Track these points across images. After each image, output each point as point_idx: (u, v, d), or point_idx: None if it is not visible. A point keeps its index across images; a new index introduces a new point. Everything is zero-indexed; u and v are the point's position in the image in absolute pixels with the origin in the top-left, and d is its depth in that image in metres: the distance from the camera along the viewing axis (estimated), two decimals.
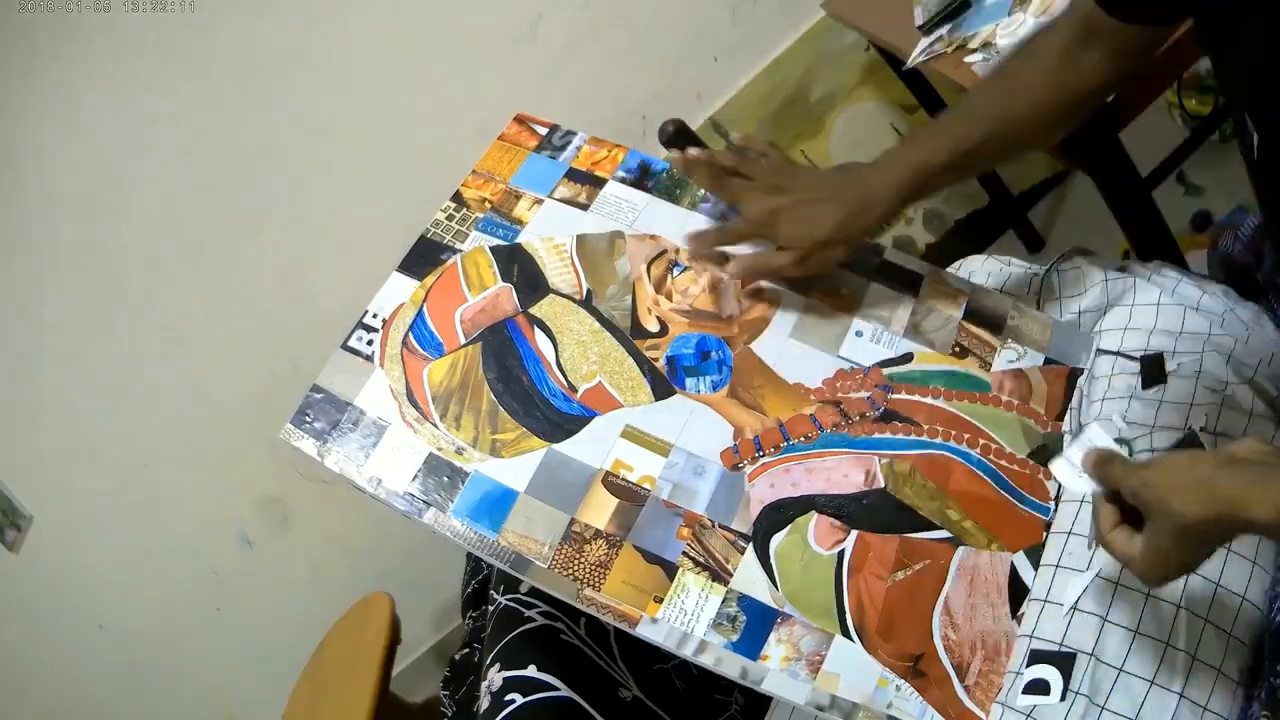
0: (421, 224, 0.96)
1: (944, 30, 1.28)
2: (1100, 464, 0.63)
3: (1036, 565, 0.76)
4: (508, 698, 0.85)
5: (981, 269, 0.99)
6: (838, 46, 1.84)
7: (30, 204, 1.60)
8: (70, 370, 1.73)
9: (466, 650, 1.23)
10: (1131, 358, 0.84)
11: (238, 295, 1.76)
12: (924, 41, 1.31)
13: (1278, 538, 0.63)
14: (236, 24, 1.55)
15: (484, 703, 0.88)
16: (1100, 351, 0.87)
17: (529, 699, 0.85)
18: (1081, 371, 0.87)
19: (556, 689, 0.86)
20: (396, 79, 1.67)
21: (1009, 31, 1.05)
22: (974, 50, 1.18)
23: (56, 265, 1.65)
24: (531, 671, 0.87)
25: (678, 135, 0.95)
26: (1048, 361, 0.88)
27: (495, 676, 0.88)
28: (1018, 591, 0.75)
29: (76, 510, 1.81)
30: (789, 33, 1.83)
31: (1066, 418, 0.84)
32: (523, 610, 0.92)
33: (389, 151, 1.71)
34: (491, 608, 0.96)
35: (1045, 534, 0.78)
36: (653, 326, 0.89)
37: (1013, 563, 0.77)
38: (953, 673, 0.72)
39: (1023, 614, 0.74)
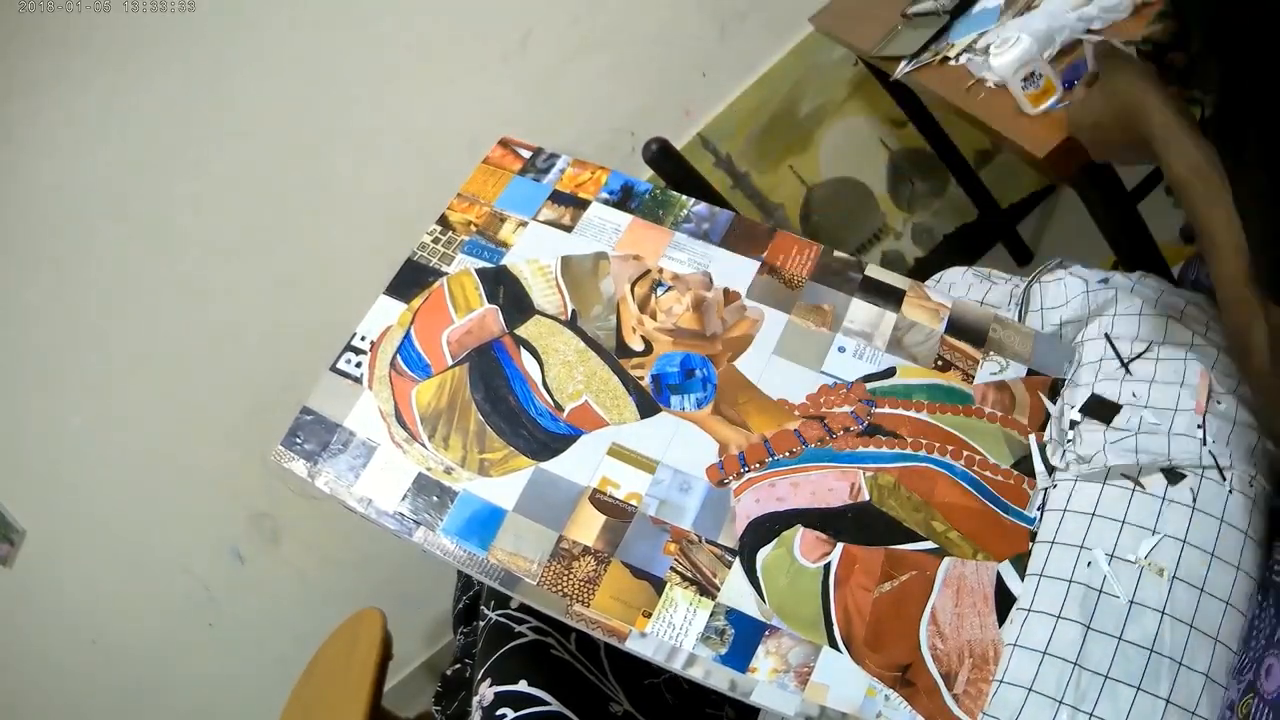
0: (410, 238, 1.02)
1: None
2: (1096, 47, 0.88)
3: (1023, 574, 0.80)
4: (499, 712, 0.89)
5: (962, 281, 1.05)
6: (826, 61, 1.90)
7: (25, 209, 1.66)
8: (62, 385, 1.78)
9: (458, 665, 1.27)
10: (1118, 354, 0.90)
11: (229, 311, 1.81)
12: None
13: (1148, 153, 0.78)
14: (234, 27, 1.62)
15: (475, 718, 0.91)
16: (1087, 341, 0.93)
17: (520, 714, 0.89)
18: (1064, 382, 0.93)
19: (547, 704, 0.90)
20: (386, 94, 1.73)
21: (999, 37, 1.10)
22: (957, 56, 1.25)
23: (50, 277, 1.70)
24: (522, 686, 0.91)
25: (661, 154, 1.02)
26: (1030, 373, 0.92)
27: (486, 692, 0.92)
28: (1005, 600, 0.79)
29: (69, 525, 1.86)
30: (777, 48, 1.90)
31: (1049, 427, 0.90)
32: (513, 626, 0.96)
33: (377, 164, 1.77)
34: (482, 623, 1.00)
35: (1031, 543, 0.82)
36: (637, 345, 0.94)
37: (999, 572, 0.81)
38: (941, 682, 0.76)
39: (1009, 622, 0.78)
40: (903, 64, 1.36)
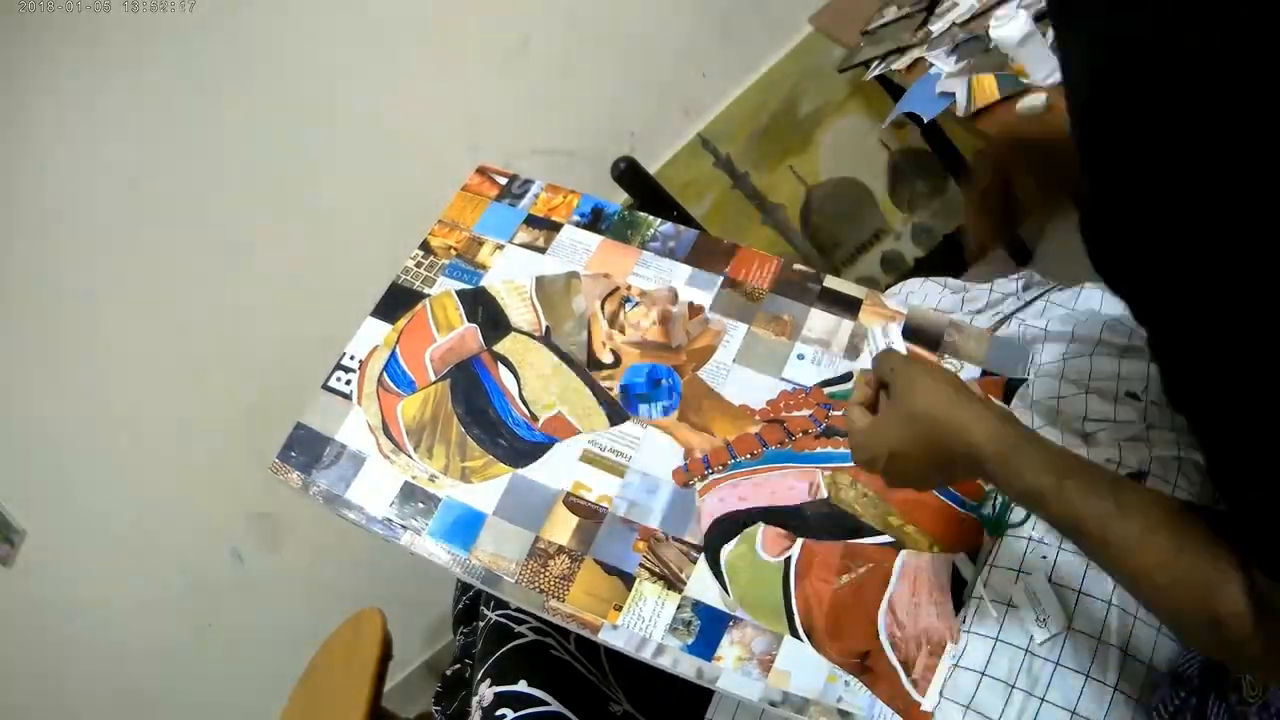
0: (410, 241, 1.14)
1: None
2: (882, 355, 0.77)
3: (977, 565, 0.90)
4: (499, 713, 0.98)
5: (920, 290, 1.17)
6: (826, 61, 1.97)
7: (23, 209, 1.74)
8: (62, 385, 1.85)
9: (458, 665, 1.35)
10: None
11: (228, 311, 1.90)
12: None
13: (982, 471, 0.67)
14: (234, 27, 1.70)
15: (475, 718, 1.00)
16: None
17: (520, 714, 0.98)
18: (1022, 382, 1.03)
19: (547, 704, 0.99)
20: (387, 94, 1.82)
21: (1001, 23, 1.23)
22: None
23: (50, 278, 1.78)
24: (522, 687, 1.00)
25: (629, 172, 1.14)
26: (985, 374, 1.03)
27: (486, 692, 1.00)
28: (961, 590, 0.88)
29: (69, 525, 1.93)
30: (777, 48, 1.99)
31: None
32: (513, 626, 1.05)
33: (379, 166, 1.86)
34: (482, 623, 1.09)
35: (985, 535, 0.92)
36: (607, 358, 1.06)
37: (954, 563, 0.91)
38: (899, 668, 0.85)
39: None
40: (874, 65, 1.48)
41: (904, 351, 0.79)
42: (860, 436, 0.75)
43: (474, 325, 1.09)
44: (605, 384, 1.05)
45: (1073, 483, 0.61)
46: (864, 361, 0.89)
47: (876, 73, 1.48)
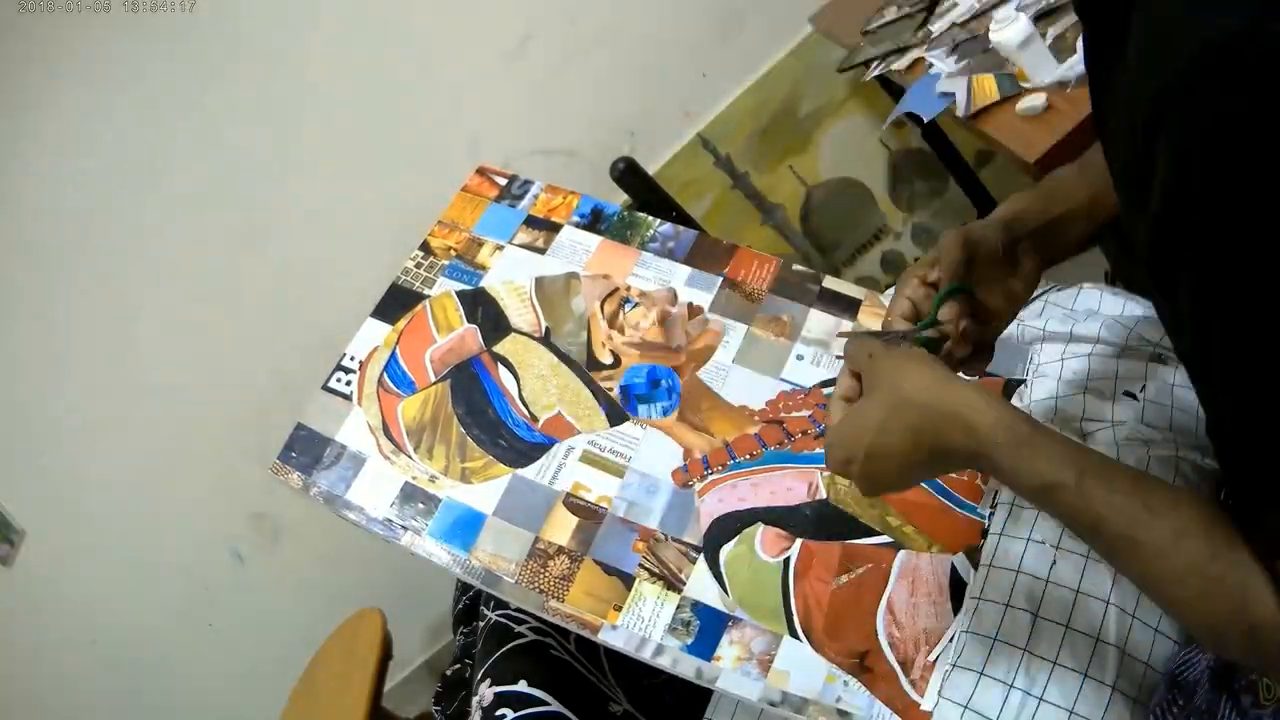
0: (408, 242, 1.15)
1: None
2: (855, 340, 0.70)
3: (976, 566, 0.90)
4: (498, 713, 0.98)
5: None
6: (826, 62, 1.98)
7: (23, 209, 1.76)
8: (63, 386, 1.88)
9: (458, 665, 1.35)
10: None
11: (229, 315, 1.92)
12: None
13: (985, 463, 0.62)
14: (234, 28, 1.72)
15: (475, 718, 1.00)
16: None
17: (520, 714, 0.98)
18: (1021, 382, 1.04)
19: (547, 704, 0.99)
20: (387, 95, 1.84)
21: (1001, 25, 1.24)
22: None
23: (50, 278, 1.81)
24: (522, 687, 1.00)
25: (628, 172, 1.14)
26: (983, 374, 1.05)
27: (486, 692, 1.00)
28: (959, 590, 0.89)
29: (69, 525, 1.96)
30: (777, 48, 2.01)
31: None
32: (513, 626, 1.05)
33: (379, 167, 1.87)
34: (482, 623, 1.09)
35: (983, 537, 0.93)
36: (606, 359, 1.07)
37: (953, 563, 0.91)
38: (898, 668, 0.86)
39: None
40: (874, 65, 1.49)
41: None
42: (833, 433, 0.67)
43: (474, 326, 1.10)
44: (605, 384, 1.06)
45: (1094, 480, 0.57)
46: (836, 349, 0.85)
47: (876, 73, 1.49)
